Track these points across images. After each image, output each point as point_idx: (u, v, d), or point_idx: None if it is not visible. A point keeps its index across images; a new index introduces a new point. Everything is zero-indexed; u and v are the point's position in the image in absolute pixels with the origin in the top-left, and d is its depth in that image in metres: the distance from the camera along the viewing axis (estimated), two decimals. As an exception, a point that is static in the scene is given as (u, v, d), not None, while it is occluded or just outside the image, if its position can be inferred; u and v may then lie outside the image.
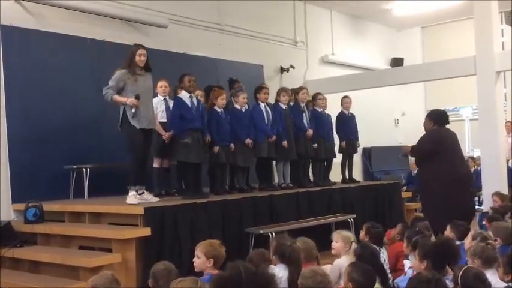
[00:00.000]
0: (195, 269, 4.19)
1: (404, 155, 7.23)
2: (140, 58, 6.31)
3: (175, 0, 9.43)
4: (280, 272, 4.07)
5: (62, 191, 7.55)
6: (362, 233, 5.32)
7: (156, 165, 7.30)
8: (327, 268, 4.49)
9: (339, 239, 4.75)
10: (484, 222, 5.82)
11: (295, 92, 8.58)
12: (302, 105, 8.49)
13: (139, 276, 5.59)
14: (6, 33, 7.34)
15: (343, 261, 4.47)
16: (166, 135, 7.03)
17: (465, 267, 3.40)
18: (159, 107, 7.25)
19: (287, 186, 8.11)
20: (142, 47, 6.39)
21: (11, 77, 7.34)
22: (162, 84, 7.35)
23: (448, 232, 5.10)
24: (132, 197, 6.30)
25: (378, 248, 4.95)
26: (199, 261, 4.15)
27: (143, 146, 6.37)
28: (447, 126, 7.00)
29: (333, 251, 4.81)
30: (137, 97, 6.16)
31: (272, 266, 4.22)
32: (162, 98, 7.34)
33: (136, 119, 6.25)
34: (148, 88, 6.48)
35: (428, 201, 6.79)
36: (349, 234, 4.82)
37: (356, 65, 13.22)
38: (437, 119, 6.87)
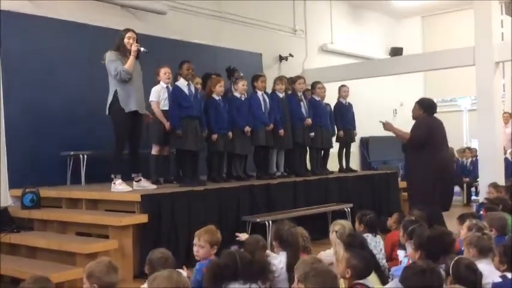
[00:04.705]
0: (197, 258, 4.18)
1: (386, 129, 7.19)
2: (129, 41, 6.33)
3: (174, -13, 9.39)
4: (281, 262, 4.08)
5: (59, 177, 7.56)
6: (356, 223, 5.33)
7: (154, 152, 7.29)
8: (321, 255, 4.52)
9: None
10: (481, 212, 5.84)
11: (293, 81, 8.56)
12: (299, 94, 8.48)
13: (136, 263, 5.62)
14: (5, 18, 7.28)
15: (329, 253, 4.53)
16: (168, 124, 7.00)
17: (457, 257, 3.41)
18: (162, 94, 7.18)
19: (281, 175, 8.11)
20: (132, 30, 6.44)
21: (10, 63, 7.31)
22: (166, 71, 7.26)
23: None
24: (118, 185, 6.30)
25: (374, 235, 4.97)
26: (204, 250, 4.13)
27: (130, 132, 6.37)
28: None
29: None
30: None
31: (274, 255, 4.23)
32: (165, 86, 7.24)
33: (126, 102, 6.23)
34: (138, 72, 6.46)
35: (415, 187, 6.82)
36: (335, 225, 4.77)
37: (355, 54, 13.19)
38: (428, 107, 6.86)
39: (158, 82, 7.30)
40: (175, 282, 2.99)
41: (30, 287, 3.25)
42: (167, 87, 7.26)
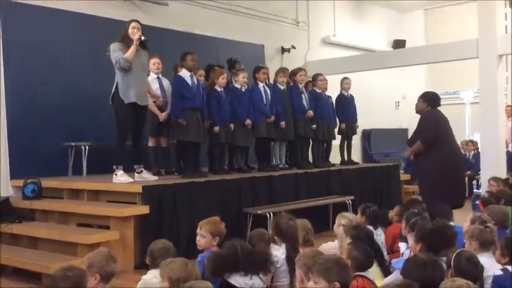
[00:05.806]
0: (199, 248, 4.19)
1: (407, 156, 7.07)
2: (133, 31, 6.29)
3: (176, -22, 9.34)
4: (283, 253, 4.08)
5: (60, 168, 7.56)
6: (359, 216, 5.32)
7: (151, 144, 7.28)
8: (322, 247, 4.52)
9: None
10: (477, 202, 5.82)
11: (293, 73, 8.53)
12: (300, 86, 8.45)
13: (137, 254, 5.64)
14: (6, 9, 7.26)
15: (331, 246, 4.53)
16: (162, 115, 7.00)
17: (458, 250, 3.40)
18: (153, 85, 7.15)
19: (283, 167, 8.11)
20: (136, 21, 6.40)
21: (12, 53, 7.28)
22: (155, 61, 7.21)
23: None
24: (119, 176, 6.30)
25: (375, 228, 4.96)
26: (205, 240, 4.14)
27: (131, 123, 6.35)
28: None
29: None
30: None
31: (276, 247, 4.23)
32: (156, 76, 7.24)
33: (125, 93, 6.21)
34: (142, 63, 6.43)
35: (427, 186, 6.74)
36: (341, 219, 4.76)
37: (358, 47, 13.12)
38: (432, 100, 6.75)
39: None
40: (188, 272, 2.98)
41: (68, 274, 3.06)
42: (157, 77, 7.25)
